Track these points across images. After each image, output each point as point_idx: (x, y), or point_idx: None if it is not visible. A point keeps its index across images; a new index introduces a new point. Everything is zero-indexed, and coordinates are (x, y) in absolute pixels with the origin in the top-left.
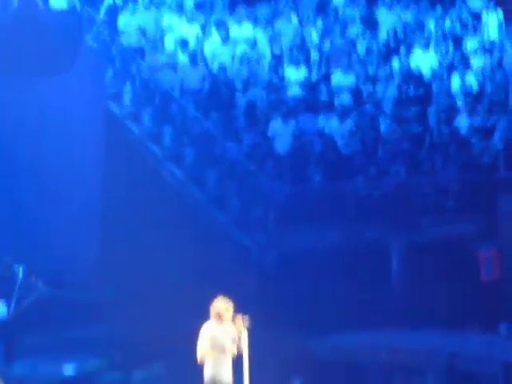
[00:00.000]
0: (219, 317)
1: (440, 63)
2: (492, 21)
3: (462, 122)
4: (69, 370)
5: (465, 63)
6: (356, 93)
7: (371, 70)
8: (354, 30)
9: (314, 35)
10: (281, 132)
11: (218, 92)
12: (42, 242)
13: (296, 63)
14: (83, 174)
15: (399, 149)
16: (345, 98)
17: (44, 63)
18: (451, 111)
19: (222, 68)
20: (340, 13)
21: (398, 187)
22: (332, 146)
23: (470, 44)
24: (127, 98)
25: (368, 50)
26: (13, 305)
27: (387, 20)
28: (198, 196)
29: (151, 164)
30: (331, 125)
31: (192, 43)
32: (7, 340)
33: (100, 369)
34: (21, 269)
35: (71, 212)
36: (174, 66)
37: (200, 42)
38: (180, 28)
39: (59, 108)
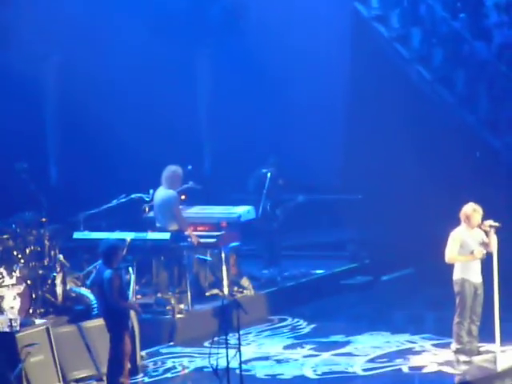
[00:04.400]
0: (468, 221)
1: None
2: None
3: None
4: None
5: None
6: None
7: None
8: None
9: None
10: None
11: None
12: (289, 146)
13: None
14: (329, 75)
15: None
16: None
17: None
18: None
19: None
20: None
21: None
22: None
23: None
24: None
25: None
26: (261, 208)
27: None
28: (446, 97)
29: (399, 65)
30: None
31: None
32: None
33: (349, 272)
34: (269, 173)
35: (316, 114)
36: None
37: None
38: None
39: (306, 8)
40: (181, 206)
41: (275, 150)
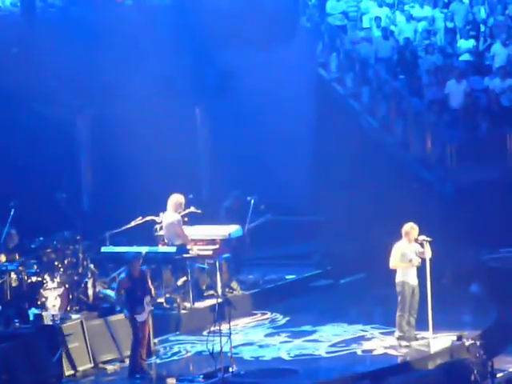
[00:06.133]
0: (407, 236)
1: None
2: None
3: None
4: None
5: None
6: None
7: None
8: None
9: (482, 12)
10: (454, 90)
11: (404, 59)
12: (269, 178)
13: (466, 35)
14: (299, 123)
15: None
16: (505, 63)
17: (270, 39)
18: None
19: (408, 40)
20: None
21: None
22: (495, 100)
23: None
24: (333, 65)
25: None
26: (246, 227)
27: None
28: (389, 140)
29: (352, 116)
30: (494, 83)
31: (384, 21)
32: (239, 254)
33: (315, 276)
34: (252, 200)
35: (289, 154)
36: (369, 40)
37: (390, 20)
38: (374, 10)
39: (282, 72)
40: (184, 226)
41: (260, 183)
